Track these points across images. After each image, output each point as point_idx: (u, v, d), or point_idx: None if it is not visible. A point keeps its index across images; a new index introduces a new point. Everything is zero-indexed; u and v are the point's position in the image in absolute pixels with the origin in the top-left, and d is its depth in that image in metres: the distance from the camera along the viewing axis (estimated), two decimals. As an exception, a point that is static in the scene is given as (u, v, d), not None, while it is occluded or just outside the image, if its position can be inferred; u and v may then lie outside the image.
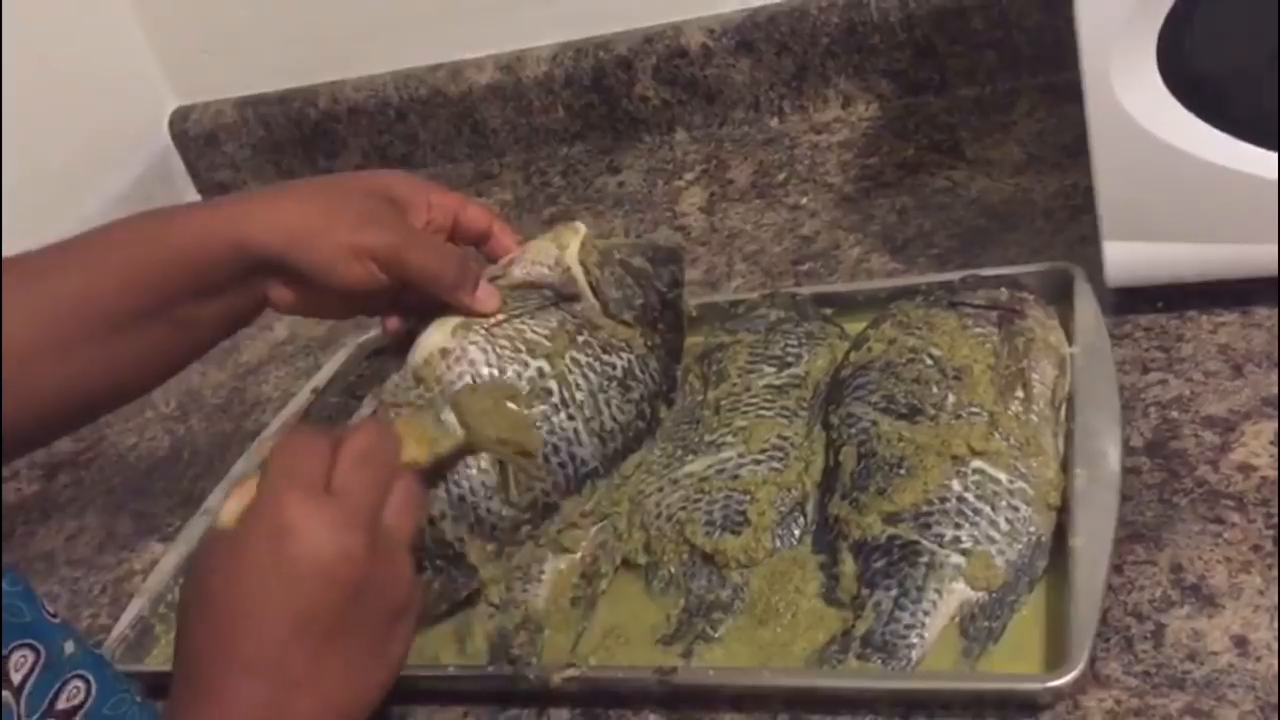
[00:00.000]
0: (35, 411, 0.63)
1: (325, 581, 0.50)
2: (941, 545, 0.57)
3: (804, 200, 0.94)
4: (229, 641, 0.49)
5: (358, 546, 0.50)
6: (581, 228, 0.72)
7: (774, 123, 1.06)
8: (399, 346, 0.68)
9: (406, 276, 0.65)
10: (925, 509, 0.58)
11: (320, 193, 0.67)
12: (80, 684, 0.52)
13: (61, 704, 0.51)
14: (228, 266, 0.64)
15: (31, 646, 0.50)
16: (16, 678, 0.49)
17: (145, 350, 0.66)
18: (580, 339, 0.67)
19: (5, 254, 0.65)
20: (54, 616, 0.51)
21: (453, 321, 0.66)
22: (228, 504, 0.53)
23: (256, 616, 0.49)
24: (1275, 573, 0.53)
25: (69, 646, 0.51)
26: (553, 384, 0.65)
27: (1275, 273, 0.64)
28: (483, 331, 0.66)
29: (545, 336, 0.66)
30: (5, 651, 0.49)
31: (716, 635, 0.59)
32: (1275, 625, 0.52)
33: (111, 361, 0.65)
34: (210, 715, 0.49)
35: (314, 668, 0.49)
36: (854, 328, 0.73)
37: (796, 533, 0.63)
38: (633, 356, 0.69)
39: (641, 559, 0.64)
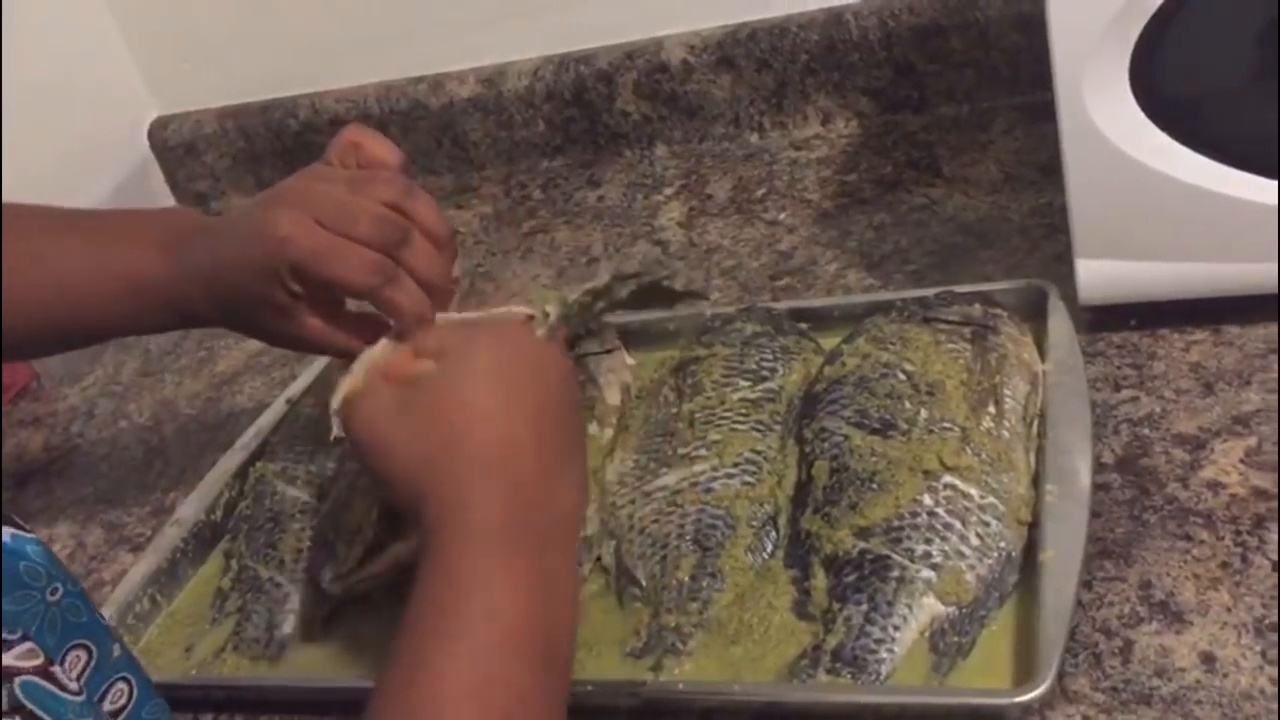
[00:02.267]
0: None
1: (561, 381, 0.58)
2: (912, 560, 0.57)
3: (782, 216, 0.94)
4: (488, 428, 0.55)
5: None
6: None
7: (754, 138, 1.07)
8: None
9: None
10: (896, 524, 0.58)
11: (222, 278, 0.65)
12: (124, 686, 0.52)
13: (107, 705, 0.51)
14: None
15: (86, 647, 0.51)
16: (72, 675, 0.49)
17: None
18: None
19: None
20: (102, 618, 0.52)
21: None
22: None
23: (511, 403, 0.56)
24: (1243, 590, 0.54)
25: (116, 649, 0.52)
26: None
27: (1246, 291, 0.65)
28: None
29: None
30: (64, 650, 0.49)
31: (687, 649, 0.59)
32: (1242, 642, 0.52)
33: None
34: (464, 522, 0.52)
35: (545, 463, 0.55)
36: (830, 342, 0.73)
37: (769, 547, 0.62)
38: None
39: (613, 571, 0.64)
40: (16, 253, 0.67)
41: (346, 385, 0.62)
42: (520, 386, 0.57)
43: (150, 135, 1.27)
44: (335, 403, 0.61)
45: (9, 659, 0.44)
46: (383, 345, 0.63)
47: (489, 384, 0.56)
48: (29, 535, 0.49)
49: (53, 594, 0.49)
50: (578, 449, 0.59)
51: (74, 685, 0.46)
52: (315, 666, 0.65)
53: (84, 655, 0.50)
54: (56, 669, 0.46)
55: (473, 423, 0.55)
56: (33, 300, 0.67)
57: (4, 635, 0.44)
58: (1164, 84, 0.62)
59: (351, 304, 0.65)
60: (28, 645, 0.45)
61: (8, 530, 0.48)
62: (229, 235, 0.64)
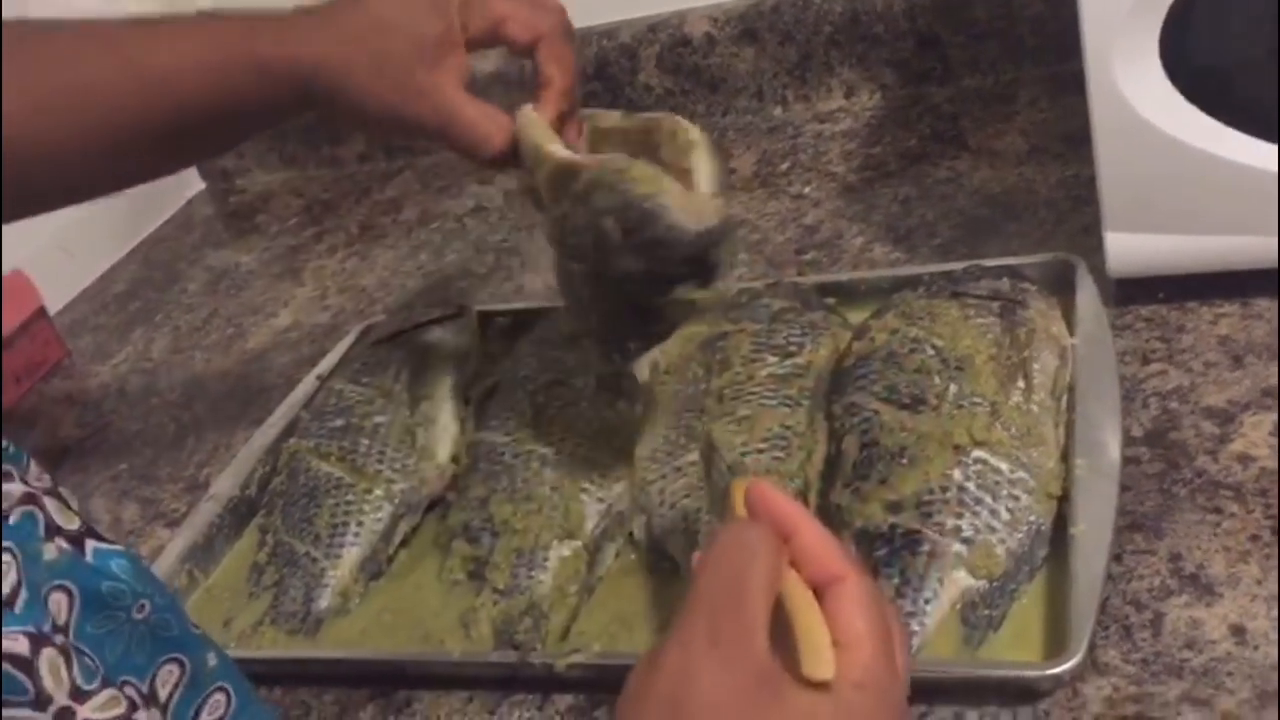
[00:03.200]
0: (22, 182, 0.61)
1: None
2: (943, 534, 0.57)
3: (807, 189, 0.95)
4: None
5: None
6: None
7: (777, 112, 1.07)
8: None
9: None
10: (927, 498, 0.59)
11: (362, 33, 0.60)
12: (221, 697, 0.50)
13: (204, 718, 0.49)
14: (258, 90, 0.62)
15: (178, 661, 0.48)
16: (163, 693, 0.47)
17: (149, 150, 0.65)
18: None
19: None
20: (196, 628, 0.50)
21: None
22: (822, 654, 0.41)
23: None
24: (1273, 562, 0.54)
25: (211, 659, 0.50)
26: None
27: (1276, 265, 0.65)
28: None
29: None
30: (154, 668, 0.47)
31: (719, 622, 0.59)
32: (1273, 614, 0.52)
33: (112, 157, 0.64)
34: None
35: None
36: (857, 317, 0.73)
37: (799, 521, 0.63)
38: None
39: (645, 546, 0.65)
40: (119, 49, 0.62)
41: (551, 144, 0.60)
42: None
43: (174, 112, 1.27)
44: (548, 156, 0.59)
45: (87, 710, 0.41)
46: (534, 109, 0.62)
47: None
48: (114, 548, 0.47)
49: (140, 611, 0.46)
50: None
51: None
52: (352, 639, 0.67)
53: (176, 670, 0.48)
54: (139, 714, 0.44)
55: None
56: (176, 96, 0.61)
57: (82, 684, 0.41)
58: (1195, 56, 0.61)
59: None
60: (108, 693, 0.43)
61: (90, 544, 0.46)
62: None
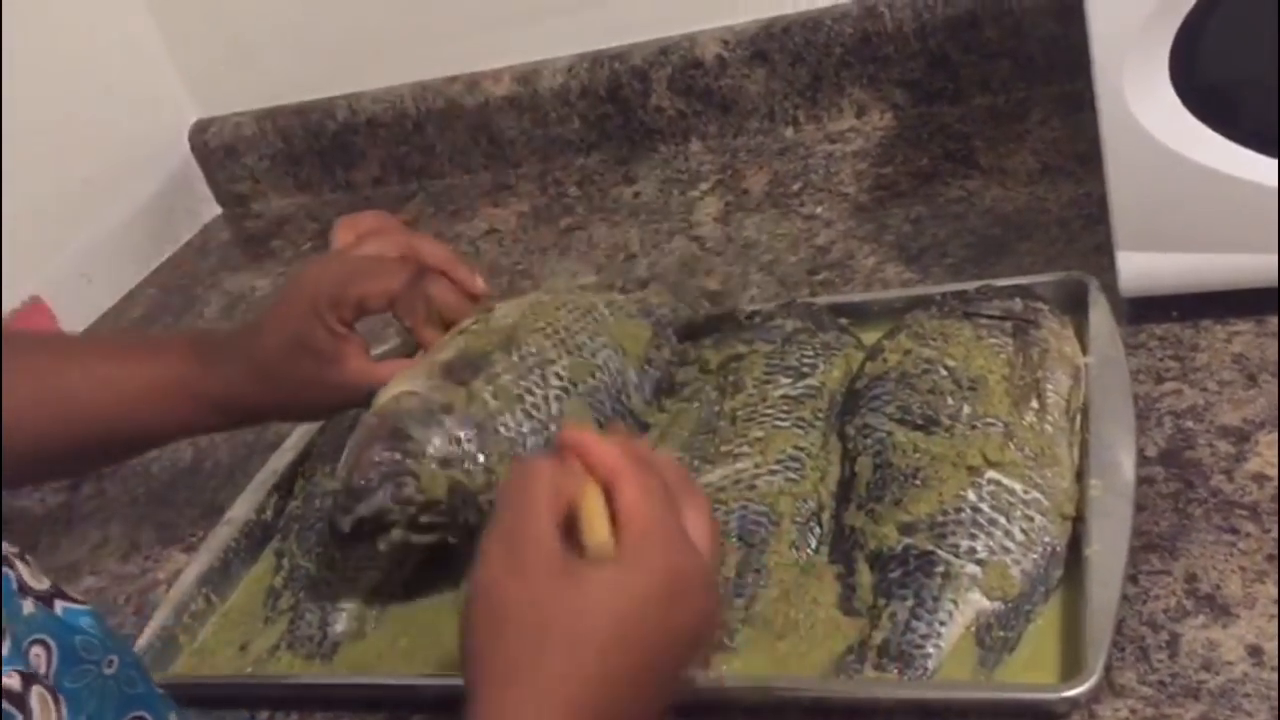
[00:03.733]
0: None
1: (704, 621, 0.49)
2: (957, 555, 0.57)
3: (819, 210, 0.95)
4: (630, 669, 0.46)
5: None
6: None
7: (789, 132, 1.07)
8: None
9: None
10: (941, 519, 0.59)
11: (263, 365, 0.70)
12: None
13: None
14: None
15: (143, 719, 0.50)
16: None
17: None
18: None
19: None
20: (158, 687, 0.52)
21: None
22: (598, 527, 0.47)
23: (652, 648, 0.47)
24: (1290, 582, 0.54)
25: (172, 717, 0.52)
26: None
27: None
28: None
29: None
30: None
31: (733, 645, 0.59)
32: (1290, 635, 0.52)
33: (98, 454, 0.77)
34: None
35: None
36: (870, 337, 0.73)
37: (813, 543, 0.63)
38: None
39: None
40: (63, 377, 0.71)
41: (391, 387, 0.67)
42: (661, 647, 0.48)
43: (191, 138, 1.29)
44: (379, 399, 0.66)
45: None
46: (416, 361, 0.69)
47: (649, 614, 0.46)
48: (82, 606, 0.48)
49: (109, 666, 0.48)
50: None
51: None
52: (369, 664, 0.67)
53: None
54: None
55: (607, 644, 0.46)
56: (84, 421, 0.70)
57: None
58: (1204, 76, 0.62)
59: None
60: None
61: (60, 604, 0.47)
62: (266, 310, 0.71)
